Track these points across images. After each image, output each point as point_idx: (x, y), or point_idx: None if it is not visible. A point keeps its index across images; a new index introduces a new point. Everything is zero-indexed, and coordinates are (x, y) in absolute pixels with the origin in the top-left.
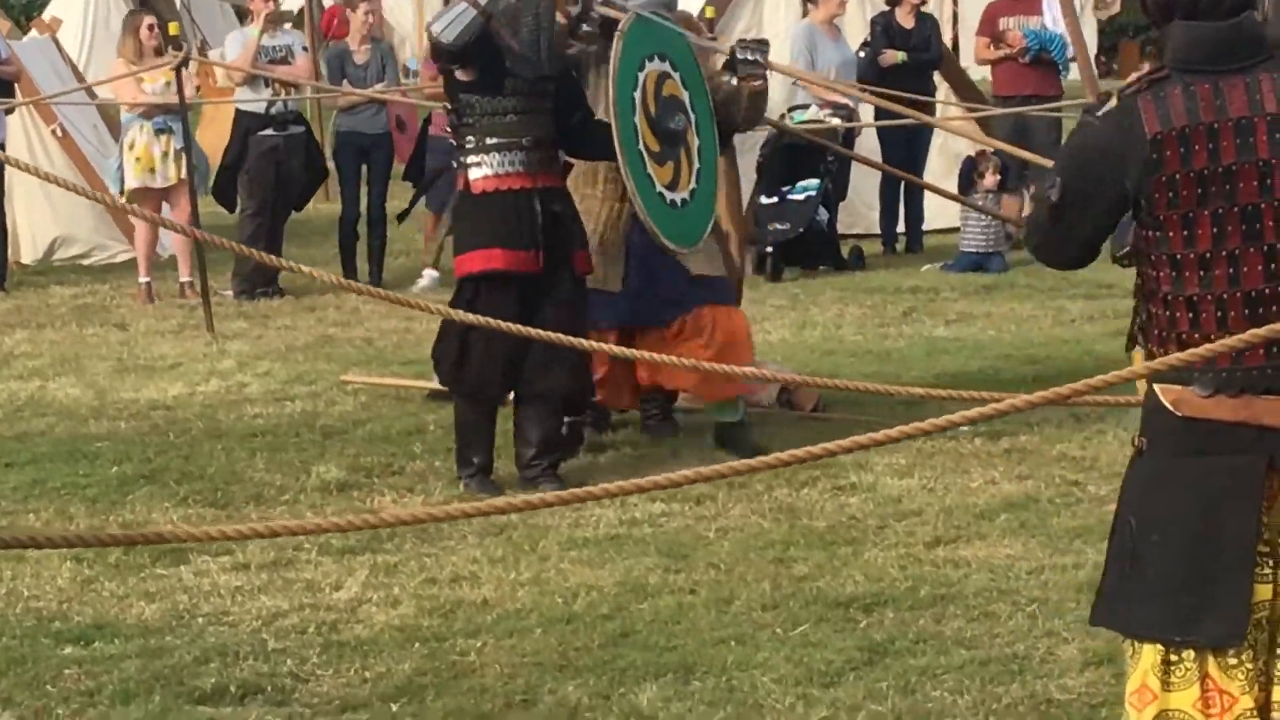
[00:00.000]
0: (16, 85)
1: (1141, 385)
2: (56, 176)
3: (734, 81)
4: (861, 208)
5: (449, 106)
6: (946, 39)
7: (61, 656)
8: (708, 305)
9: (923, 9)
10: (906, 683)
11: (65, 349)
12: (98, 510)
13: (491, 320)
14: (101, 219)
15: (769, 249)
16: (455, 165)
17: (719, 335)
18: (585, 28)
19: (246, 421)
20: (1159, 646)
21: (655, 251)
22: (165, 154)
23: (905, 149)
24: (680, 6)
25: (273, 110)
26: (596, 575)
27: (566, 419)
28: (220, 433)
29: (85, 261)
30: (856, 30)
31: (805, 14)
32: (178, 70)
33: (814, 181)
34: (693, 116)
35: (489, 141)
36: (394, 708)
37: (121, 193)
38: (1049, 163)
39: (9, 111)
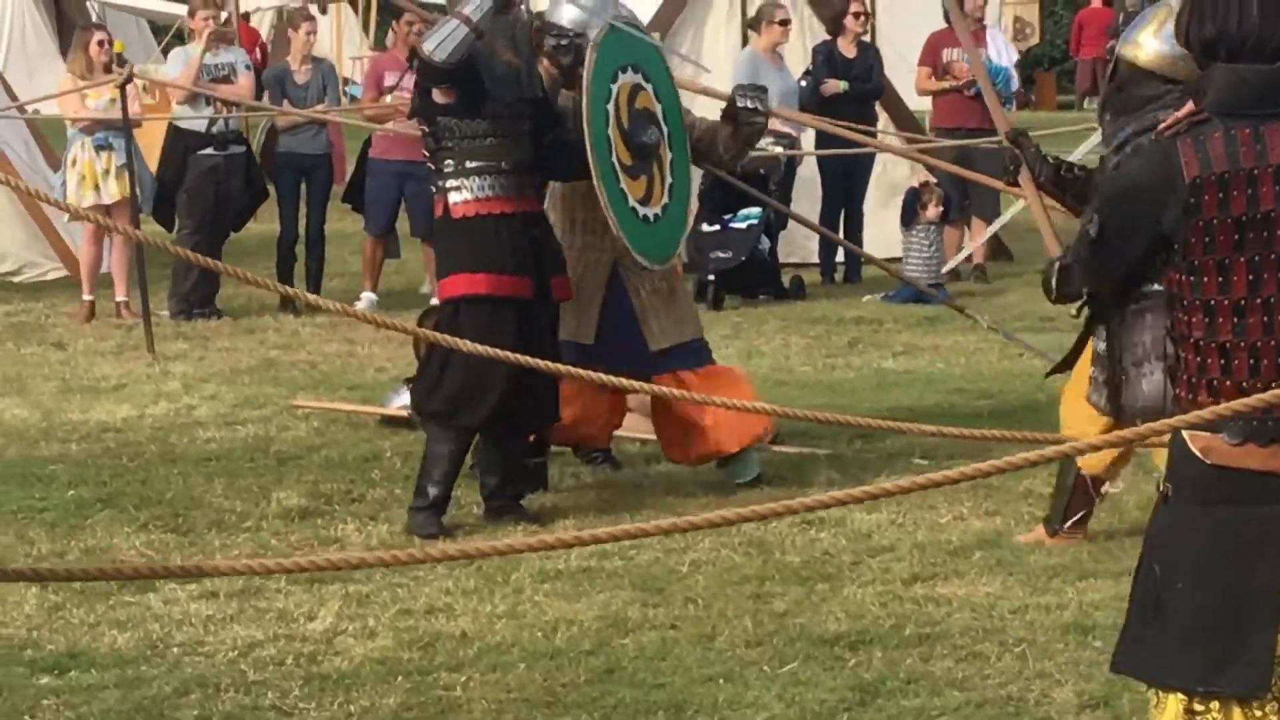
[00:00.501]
0: None
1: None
2: (45, 195)
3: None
4: (799, 237)
5: (425, 129)
6: None
7: (38, 686)
8: (685, 371)
9: (864, 39)
10: None
11: (7, 368)
12: (58, 535)
13: (458, 342)
14: (32, 236)
15: (710, 277)
16: (434, 190)
17: (726, 393)
18: (551, 41)
19: (199, 445)
20: (1183, 696)
21: (627, 313)
22: (107, 170)
23: (844, 179)
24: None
25: (214, 129)
26: (574, 609)
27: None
28: (174, 457)
29: (16, 279)
30: (797, 59)
31: (745, 40)
32: (122, 87)
33: (756, 210)
34: (665, 130)
35: (468, 165)
36: None
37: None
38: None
39: None
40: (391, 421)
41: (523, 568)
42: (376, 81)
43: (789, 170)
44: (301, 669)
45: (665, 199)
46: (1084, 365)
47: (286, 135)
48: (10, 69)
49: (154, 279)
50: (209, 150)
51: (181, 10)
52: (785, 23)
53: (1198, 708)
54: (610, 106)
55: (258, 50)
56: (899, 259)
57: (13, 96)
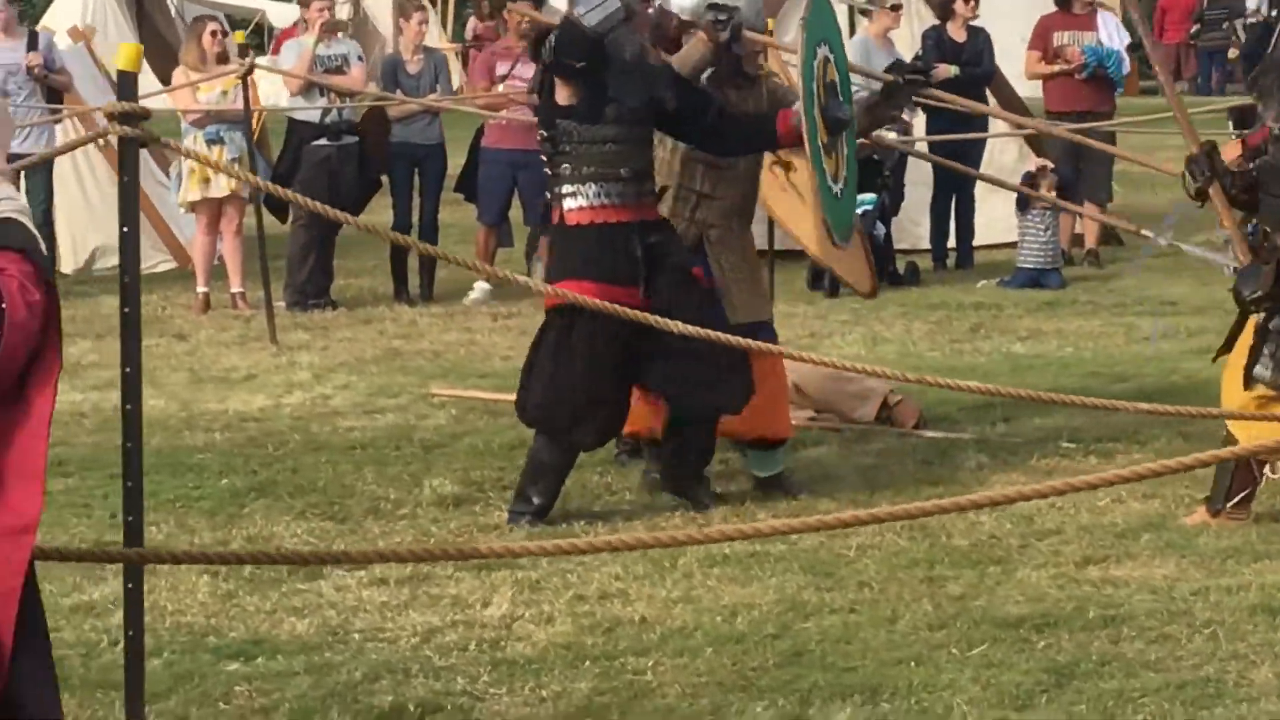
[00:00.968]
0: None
1: None
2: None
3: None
4: (908, 224)
5: (544, 133)
6: None
7: (228, 673)
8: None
9: (973, 23)
10: (1104, 707)
11: None
12: (218, 523)
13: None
14: (142, 229)
15: None
16: (549, 195)
17: (769, 380)
18: (710, 15)
19: (342, 434)
20: None
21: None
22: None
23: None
24: None
25: (327, 120)
26: (748, 593)
27: None
28: (318, 445)
29: None
30: (905, 45)
31: (852, 25)
32: (244, 78)
33: (870, 195)
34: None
35: (585, 171)
36: None
37: (180, 204)
38: (1120, 152)
39: (58, 121)
40: None
41: (689, 553)
42: (489, 71)
43: (902, 156)
44: (487, 655)
45: (845, 172)
46: (1244, 342)
47: (400, 125)
48: None
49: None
50: (322, 141)
51: (259, 5)
52: (897, 8)
53: None
54: (814, 85)
55: None
56: (1006, 245)
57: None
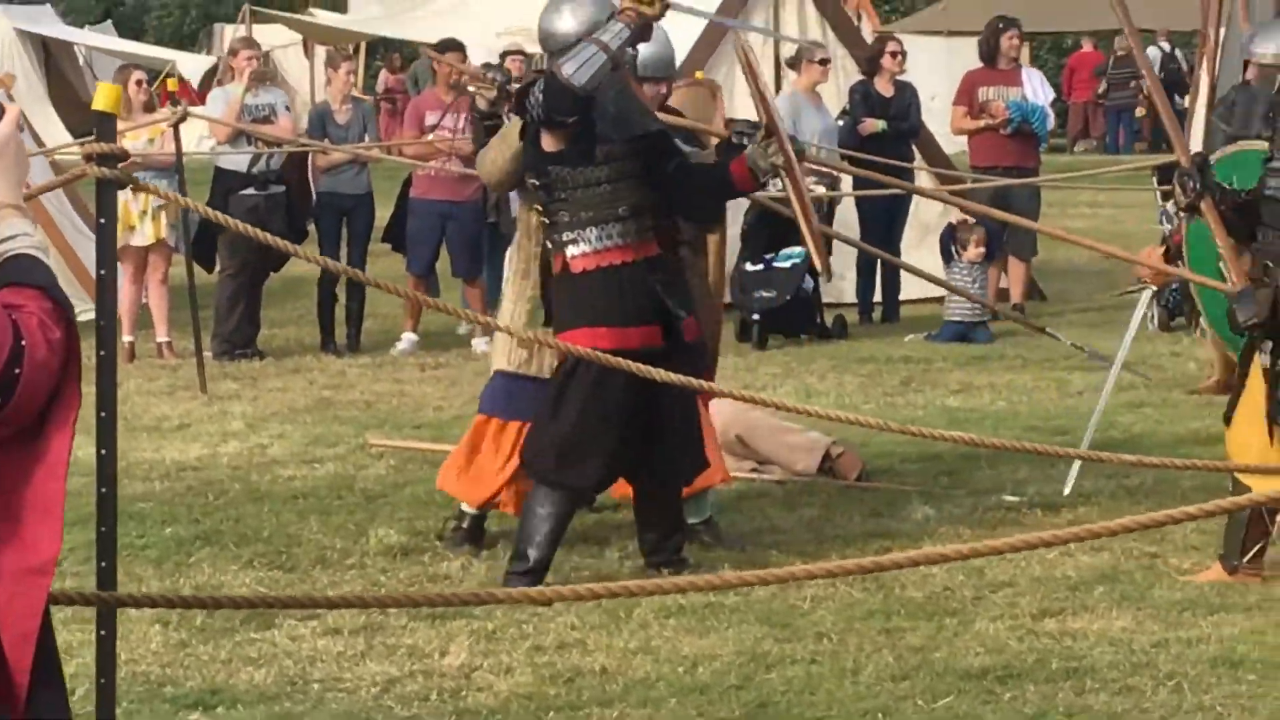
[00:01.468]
0: None
1: None
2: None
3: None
4: (834, 278)
5: (535, 183)
6: None
7: None
8: None
9: (900, 78)
10: None
11: None
12: (165, 572)
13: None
14: (64, 277)
15: (755, 316)
16: (549, 245)
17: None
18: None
19: (282, 484)
20: None
21: None
22: (144, 212)
23: (885, 217)
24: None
25: (254, 169)
26: (708, 644)
27: None
28: (259, 494)
29: None
30: (832, 99)
31: (778, 81)
32: (176, 126)
33: (799, 249)
34: None
35: (584, 215)
36: None
37: None
38: (1031, 225)
39: None
40: None
41: (644, 604)
42: (418, 120)
43: (829, 209)
44: (449, 705)
45: None
46: (1252, 394)
47: (328, 175)
48: None
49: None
50: (250, 190)
51: (170, 55)
52: (825, 62)
53: None
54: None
55: None
56: (933, 300)
57: (39, 142)
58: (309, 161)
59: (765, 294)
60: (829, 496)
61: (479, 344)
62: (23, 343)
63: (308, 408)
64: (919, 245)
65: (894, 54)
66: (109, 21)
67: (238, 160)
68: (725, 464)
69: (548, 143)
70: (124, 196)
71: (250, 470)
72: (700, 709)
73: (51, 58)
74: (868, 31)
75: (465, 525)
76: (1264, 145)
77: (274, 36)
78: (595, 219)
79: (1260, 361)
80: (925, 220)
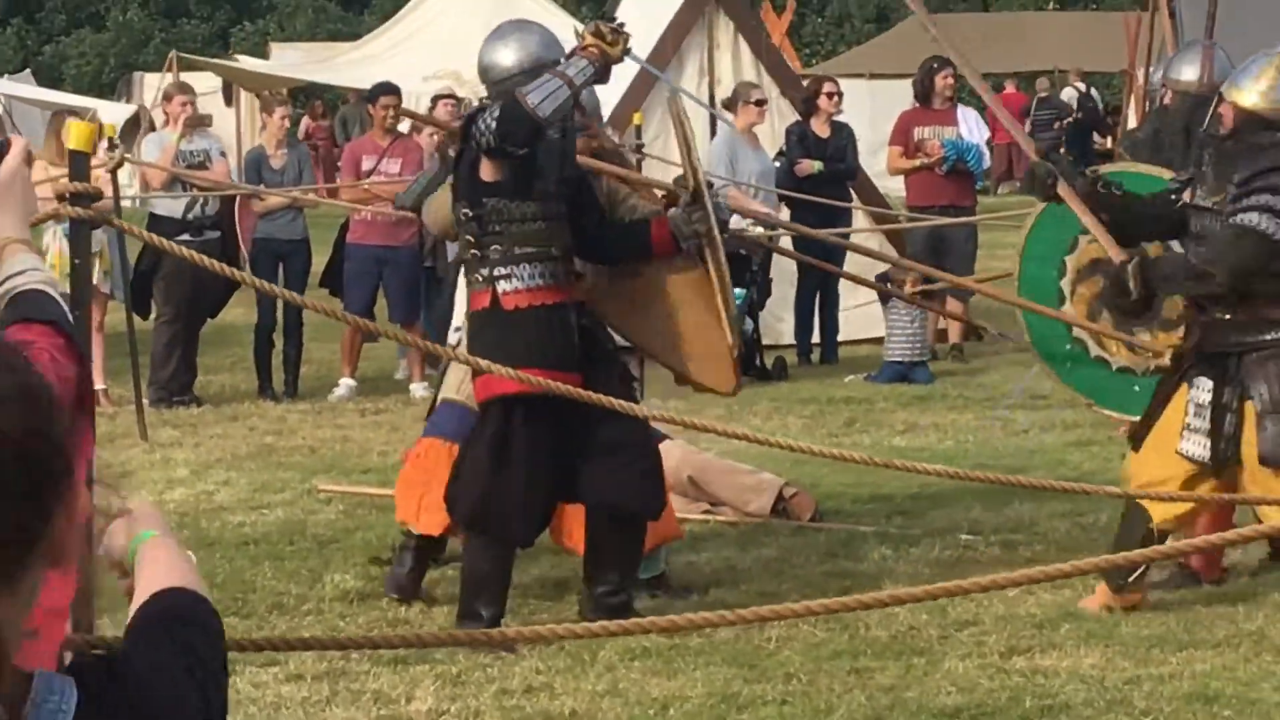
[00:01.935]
0: None
1: None
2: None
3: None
4: (771, 319)
5: (469, 213)
6: None
7: None
8: None
9: (837, 118)
10: None
11: None
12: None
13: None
14: None
15: None
16: (477, 280)
17: None
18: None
19: (233, 530)
20: None
21: None
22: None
23: (820, 258)
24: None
25: (189, 216)
26: (676, 686)
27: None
28: (210, 541)
29: None
30: (769, 140)
31: (713, 124)
32: (113, 172)
33: (739, 291)
34: None
35: (518, 251)
36: None
37: None
38: (962, 280)
39: None
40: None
41: (608, 646)
42: (354, 165)
43: (768, 251)
44: None
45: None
46: (1166, 423)
47: (264, 220)
48: None
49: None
50: (185, 237)
51: (89, 103)
52: (761, 103)
53: None
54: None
55: None
56: (869, 340)
57: None
58: (234, 209)
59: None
60: (784, 537)
61: (417, 389)
62: None
63: (251, 454)
64: (859, 286)
65: (830, 95)
66: (27, 71)
67: (172, 206)
68: (676, 509)
69: (486, 172)
70: (59, 244)
71: (199, 517)
72: None
73: None
74: None
75: (413, 548)
76: (1167, 174)
77: (196, 83)
78: (529, 256)
79: (1190, 395)
80: (862, 261)
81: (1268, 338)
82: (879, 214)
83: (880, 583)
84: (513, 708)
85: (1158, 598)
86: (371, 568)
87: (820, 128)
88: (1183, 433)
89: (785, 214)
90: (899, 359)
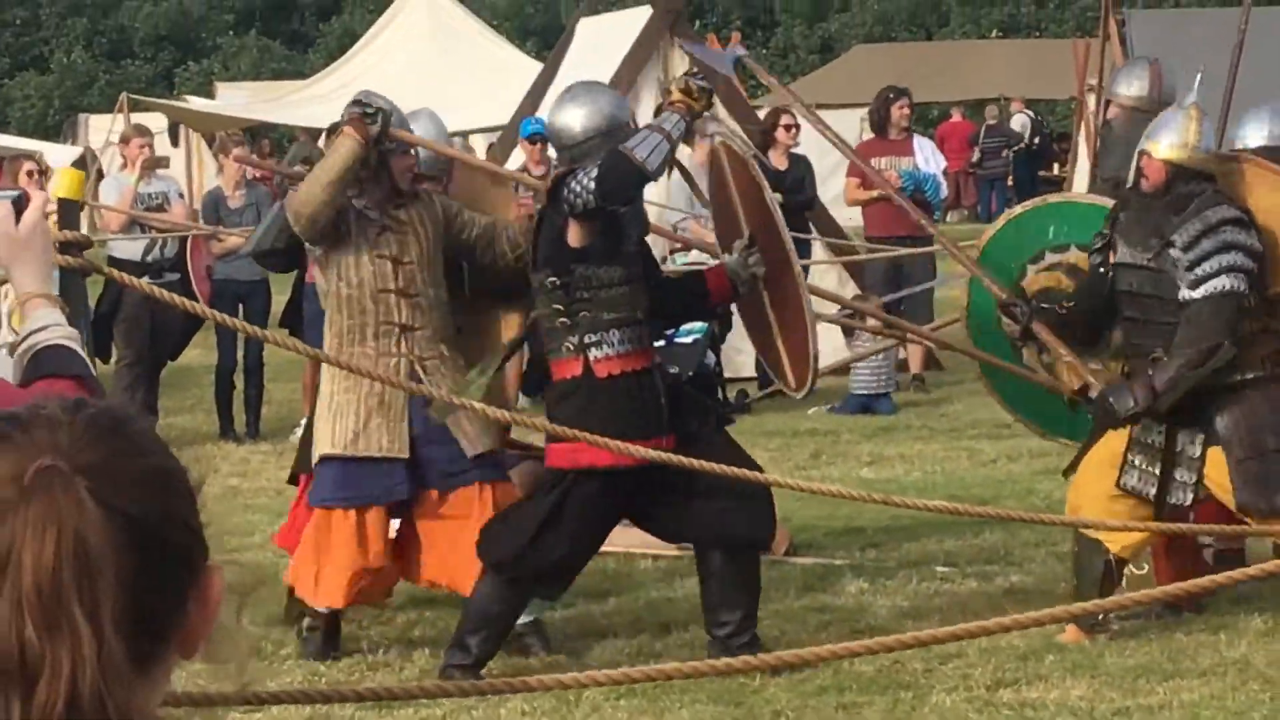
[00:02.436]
0: None
1: None
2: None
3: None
4: (731, 351)
5: (555, 281)
6: None
7: None
8: (489, 482)
9: (794, 150)
10: None
11: None
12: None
13: None
14: None
15: None
16: (567, 349)
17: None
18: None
19: None
20: None
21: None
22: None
23: None
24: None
25: (149, 258)
26: None
27: None
28: None
29: None
30: None
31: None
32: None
33: (701, 324)
34: None
35: (606, 317)
36: None
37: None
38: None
39: None
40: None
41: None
42: None
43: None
44: None
45: None
46: (1104, 454)
47: (222, 261)
48: None
49: None
50: (144, 279)
51: (34, 146)
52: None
53: None
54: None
55: None
56: (844, 370)
57: None
58: (186, 251)
59: (669, 370)
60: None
61: None
62: None
63: (216, 496)
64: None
65: (788, 127)
66: None
67: (131, 249)
68: (650, 545)
69: (574, 238)
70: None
71: None
72: None
73: None
74: None
75: (322, 627)
76: (1089, 200)
77: (144, 124)
78: (618, 321)
79: (1134, 432)
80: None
81: (1228, 381)
82: (838, 245)
83: (859, 616)
84: None
85: (1138, 626)
86: (347, 611)
87: (778, 159)
88: (1124, 467)
89: None
90: (863, 390)
